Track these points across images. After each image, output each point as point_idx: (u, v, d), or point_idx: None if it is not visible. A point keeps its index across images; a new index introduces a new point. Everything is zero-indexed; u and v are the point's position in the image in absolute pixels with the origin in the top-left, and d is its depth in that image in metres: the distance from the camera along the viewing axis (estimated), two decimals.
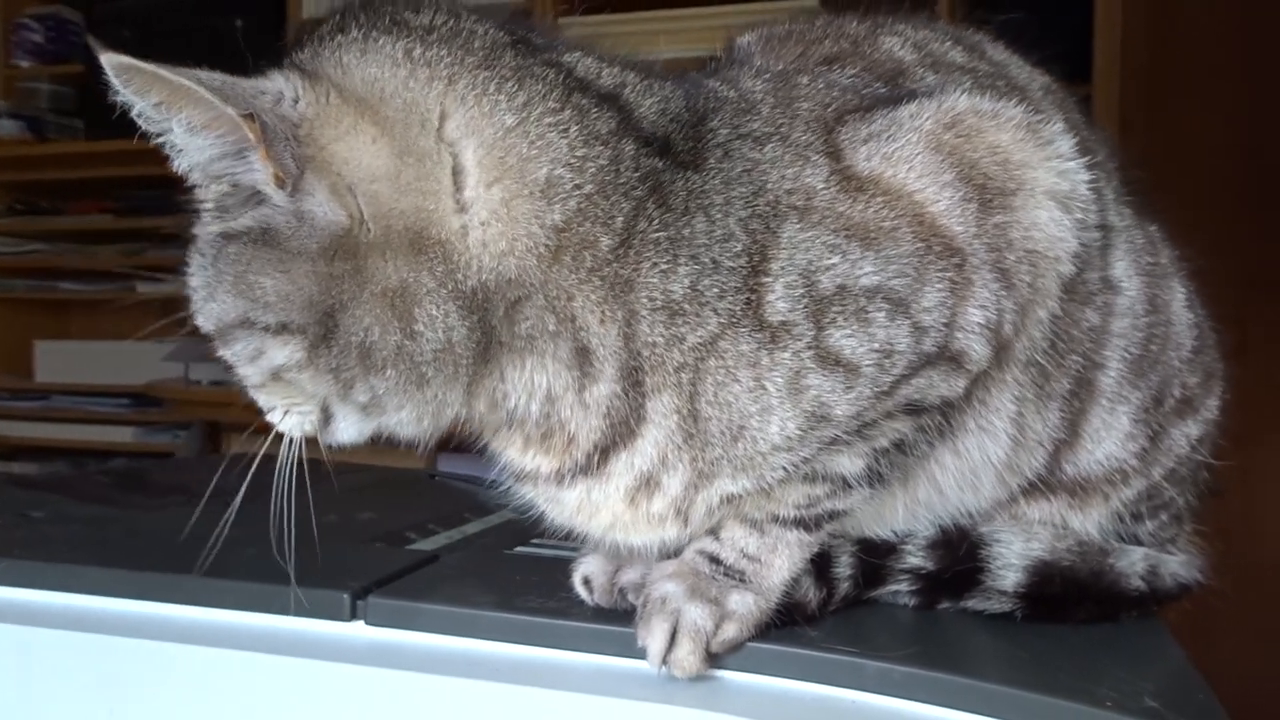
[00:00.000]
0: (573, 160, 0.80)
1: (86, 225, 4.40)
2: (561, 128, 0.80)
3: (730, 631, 0.87)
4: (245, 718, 0.89)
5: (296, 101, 0.79)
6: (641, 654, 0.86)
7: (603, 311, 0.81)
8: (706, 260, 0.82)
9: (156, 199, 4.20)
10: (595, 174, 0.80)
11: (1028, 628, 0.95)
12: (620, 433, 0.85)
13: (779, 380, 0.83)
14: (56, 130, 4.42)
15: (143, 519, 1.28)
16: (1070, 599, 0.98)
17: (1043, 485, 1.01)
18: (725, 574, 0.90)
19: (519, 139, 0.80)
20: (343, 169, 0.78)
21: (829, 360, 0.84)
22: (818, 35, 1.03)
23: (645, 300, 0.81)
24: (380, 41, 0.82)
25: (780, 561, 0.91)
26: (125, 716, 0.91)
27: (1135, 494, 1.03)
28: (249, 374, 0.85)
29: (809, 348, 0.83)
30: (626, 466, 0.86)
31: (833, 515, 0.93)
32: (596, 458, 0.86)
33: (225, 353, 0.85)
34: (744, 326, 0.83)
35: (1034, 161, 0.91)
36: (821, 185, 0.85)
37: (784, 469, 0.87)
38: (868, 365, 0.85)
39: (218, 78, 0.78)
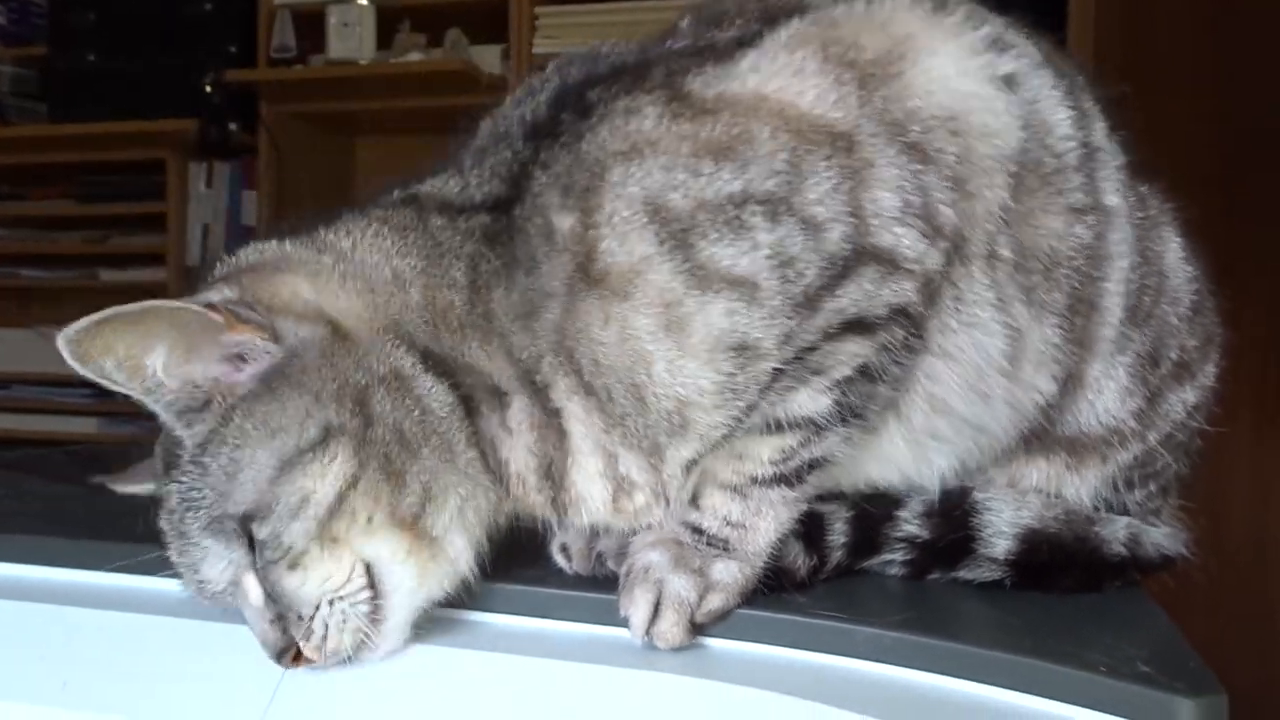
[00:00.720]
0: (398, 254, 0.89)
1: (49, 211, 4.32)
2: (379, 238, 0.90)
3: (715, 602, 0.85)
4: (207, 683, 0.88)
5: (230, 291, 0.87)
6: (624, 623, 0.84)
7: (485, 350, 0.87)
8: (537, 253, 0.86)
9: (120, 184, 4.15)
10: (420, 254, 0.89)
11: (1015, 596, 0.94)
12: (550, 441, 0.87)
13: (645, 323, 0.82)
14: (18, 114, 4.33)
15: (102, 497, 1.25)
16: (1057, 566, 0.97)
17: (1043, 440, 1.00)
18: (709, 543, 0.88)
19: (358, 258, 0.90)
20: (291, 304, 0.86)
21: (710, 280, 0.82)
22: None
23: (503, 319, 0.87)
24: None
25: (765, 524, 0.89)
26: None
27: (1131, 458, 1.02)
28: (296, 540, 0.81)
29: (677, 273, 0.82)
30: (586, 478, 0.87)
31: (814, 465, 0.90)
32: (554, 486, 0.88)
33: (264, 533, 0.82)
34: (580, 288, 0.84)
35: (922, 29, 0.89)
36: (651, 124, 0.85)
37: (726, 419, 0.84)
38: (765, 277, 0.82)
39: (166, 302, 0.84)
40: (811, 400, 0.87)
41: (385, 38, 3.72)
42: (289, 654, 0.83)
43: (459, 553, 0.86)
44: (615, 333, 0.83)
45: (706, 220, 0.82)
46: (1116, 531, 1.00)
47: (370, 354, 0.85)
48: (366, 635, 0.83)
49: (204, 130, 3.83)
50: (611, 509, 0.88)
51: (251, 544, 0.82)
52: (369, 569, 0.83)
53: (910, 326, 0.88)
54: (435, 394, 0.85)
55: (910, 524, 0.96)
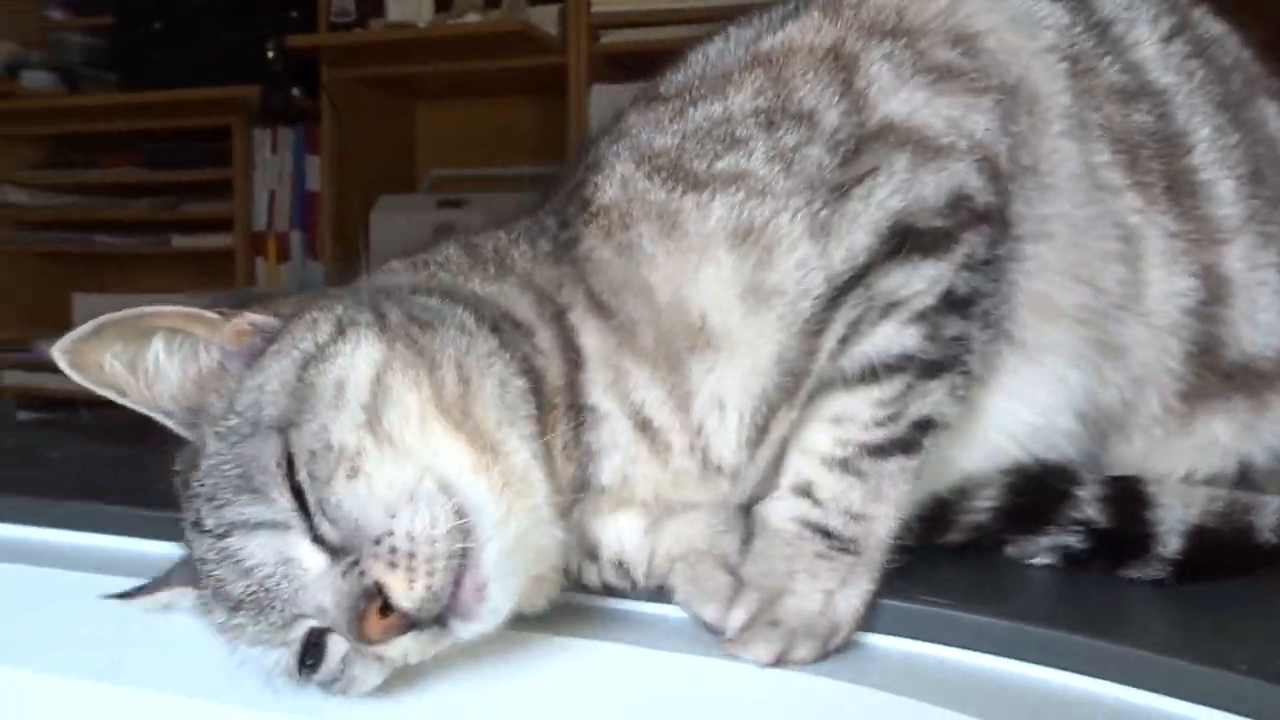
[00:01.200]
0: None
1: (119, 178, 4.40)
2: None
3: (845, 631, 0.81)
4: None
5: None
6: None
7: (503, 288, 0.90)
8: (558, 216, 0.93)
9: (187, 151, 4.21)
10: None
11: (1156, 590, 0.90)
12: (571, 359, 0.87)
13: (647, 232, 0.85)
14: (89, 83, 4.42)
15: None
16: (1216, 562, 0.91)
17: (1210, 378, 0.95)
18: (840, 548, 0.82)
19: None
20: None
21: (706, 183, 0.83)
22: None
23: (524, 264, 0.92)
24: None
25: (886, 510, 0.83)
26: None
27: None
28: (345, 435, 0.76)
29: (672, 189, 0.84)
30: (616, 412, 0.86)
31: (925, 425, 0.84)
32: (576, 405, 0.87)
33: (308, 438, 0.76)
34: (587, 225, 0.88)
35: None
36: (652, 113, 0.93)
37: (759, 331, 0.82)
38: (763, 168, 0.83)
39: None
40: (897, 335, 0.83)
41: (443, 0, 3.72)
42: (375, 600, 0.73)
43: (526, 465, 0.80)
44: (621, 252, 0.85)
45: (695, 146, 0.85)
46: (1267, 517, 0.94)
47: (384, 288, 0.89)
48: (462, 564, 0.75)
49: (267, 96, 3.87)
50: (661, 463, 0.86)
51: (297, 492, 0.76)
52: (439, 483, 0.76)
53: (987, 233, 0.85)
54: (455, 312, 0.86)
55: (1089, 506, 0.89)
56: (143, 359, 0.84)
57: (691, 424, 0.85)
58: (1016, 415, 0.91)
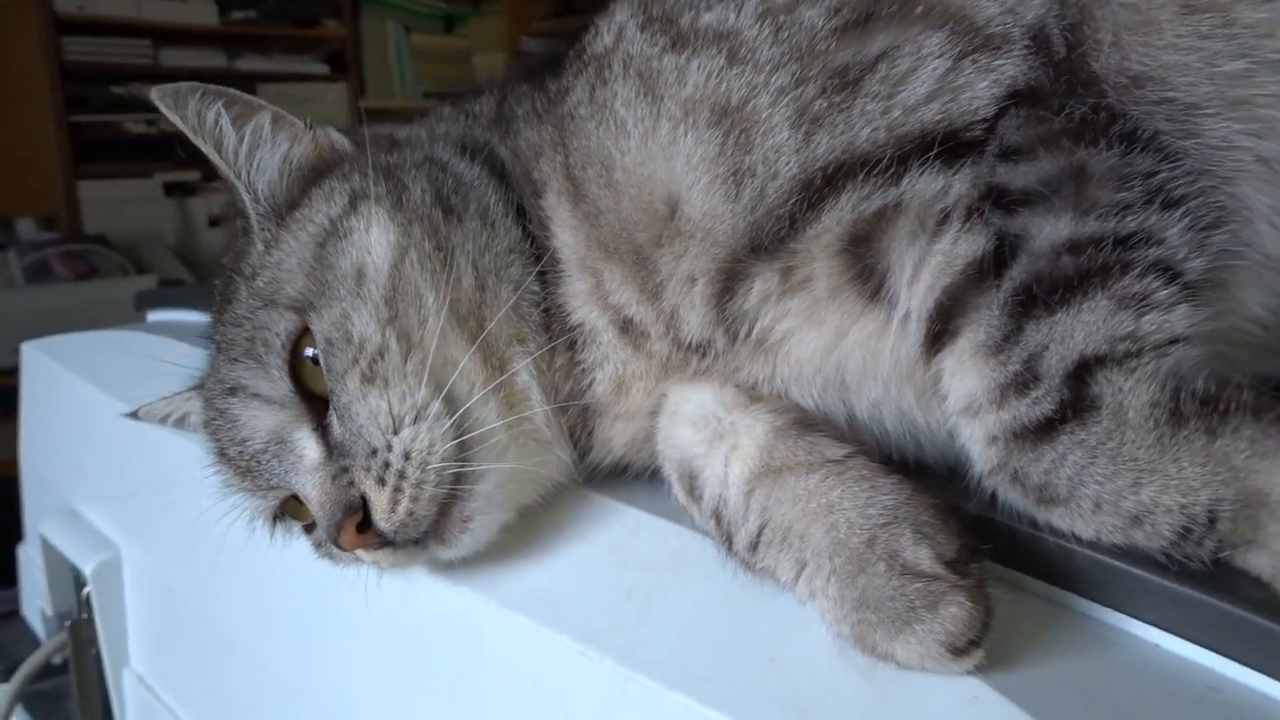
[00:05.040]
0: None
1: None
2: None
3: None
4: None
5: None
6: None
7: (504, 143, 0.89)
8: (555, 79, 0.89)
9: None
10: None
11: None
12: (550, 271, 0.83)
13: (622, 91, 0.76)
14: None
15: None
16: None
17: None
18: None
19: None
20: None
21: (689, 40, 0.74)
22: None
23: (519, 120, 0.90)
24: None
25: None
26: None
27: None
28: (368, 329, 0.75)
29: (655, 40, 0.76)
30: (602, 324, 0.81)
31: (1172, 340, 0.66)
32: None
33: (328, 324, 0.76)
34: (577, 74, 0.83)
35: None
36: None
37: (734, 215, 0.72)
38: (749, 25, 0.72)
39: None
40: (1075, 223, 0.67)
41: None
42: (354, 516, 0.74)
43: (526, 385, 0.80)
44: (596, 113, 0.77)
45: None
46: None
47: (403, 147, 0.88)
48: (452, 493, 0.74)
49: None
50: (631, 365, 0.81)
51: (295, 376, 0.77)
52: (450, 404, 0.75)
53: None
54: (469, 169, 0.85)
55: None
56: (249, 123, 0.86)
57: (665, 310, 0.78)
58: None
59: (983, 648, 0.65)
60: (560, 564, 0.82)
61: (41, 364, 1.61)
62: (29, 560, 1.64)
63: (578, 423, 0.86)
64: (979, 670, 0.65)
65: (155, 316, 1.81)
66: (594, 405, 0.84)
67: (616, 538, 0.84)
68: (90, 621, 1.38)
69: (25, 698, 1.49)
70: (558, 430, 0.84)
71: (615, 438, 0.86)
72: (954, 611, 0.63)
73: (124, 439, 1.18)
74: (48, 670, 1.48)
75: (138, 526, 1.35)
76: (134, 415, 1.04)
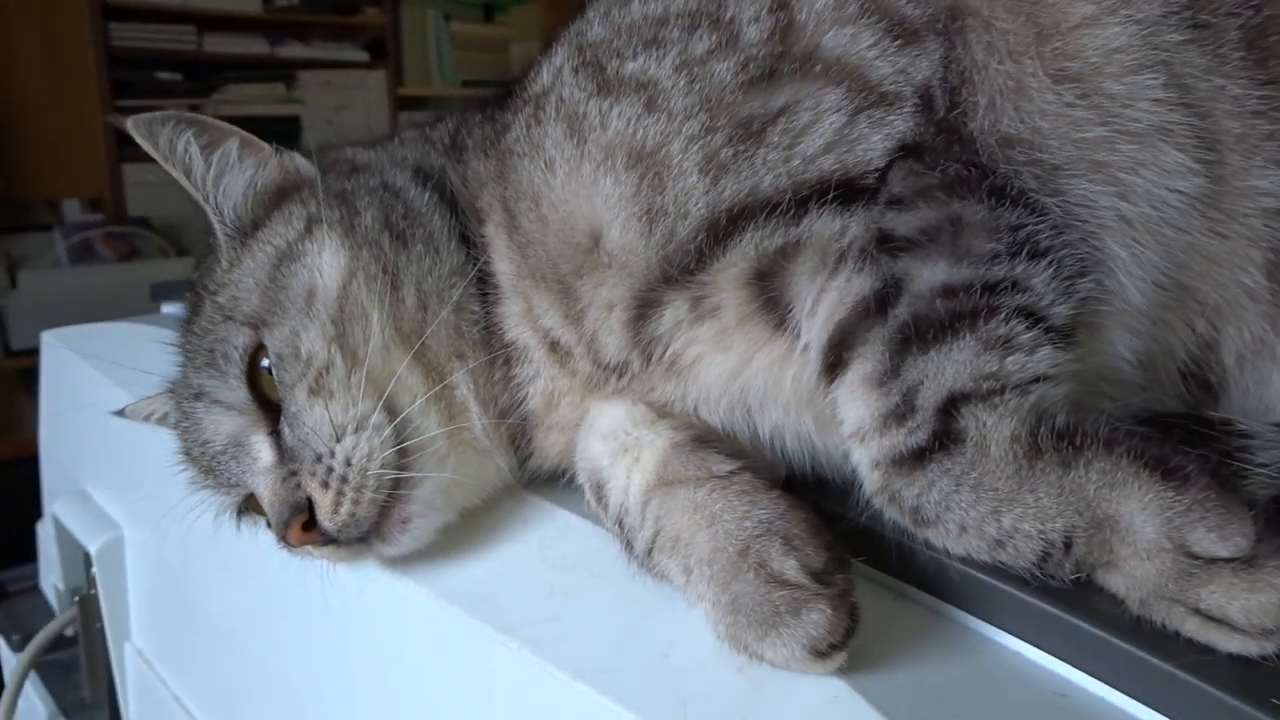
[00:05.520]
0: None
1: None
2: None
3: None
4: None
5: None
6: None
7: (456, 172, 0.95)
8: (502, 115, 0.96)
9: None
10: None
11: None
12: (488, 291, 0.89)
13: (553, 132, 0.82)
14: None
15: None
16: None
17: None
18: None
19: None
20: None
21: (614, 87, 0.79)
22: None
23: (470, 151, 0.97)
24: None
25: None
26: None
27: None
28: (315, 346, 0.83)
29: (585, 85, 0.81)
30: (534, 343, 0.88)
31: (1034, 379, 0.72)
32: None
33: (279, 340, 0.84)
34: (519, 113, 0.89)
35: None
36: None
37: (648, 248, 0.78)
38: (668, 76, 0.77)
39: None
40: (941, 270, 0.73)
41: None
42: (300, 516, 0.82)
43: (464, 398, 0.87)
44: (531, 145, 0.84)
45: (622, 42, 0.81)
46: None
47: (361, 172, 0.94)
48: (391, 497, 0.81)
49: None
50: (582, 386, 0.87)
51: (253, 386, 0.84)
52: (391, 414, 0.82)
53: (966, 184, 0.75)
54: (420, 195, 0.91)
55: None
56: (218, 150, 0.92)
57: (586, 333, 0.85)
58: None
59: (845, 651, 0.71)
60: (494, 561, 0.90)
61: (59, 352, 1.70)
62: (46, 536, 1.73)
63: (519, 432, 0.93)
64: (843, 672, 0.71)
65: (170, 308, 1.89)
66: (530, 417, 0.92)
67: (547, 538, 0.91)
68: (96, 597, 1.47)
69: (40, 667, 1.59)
70: (497, 439, 0.92)
71: (550, 447, 0.93)
72: (815, 618, 0.69)
73: (128, 427, 1.26)
74: (60, 641, 1.58)
75: (139, 509, 1.44)
76: (120, 413, 1.14)
